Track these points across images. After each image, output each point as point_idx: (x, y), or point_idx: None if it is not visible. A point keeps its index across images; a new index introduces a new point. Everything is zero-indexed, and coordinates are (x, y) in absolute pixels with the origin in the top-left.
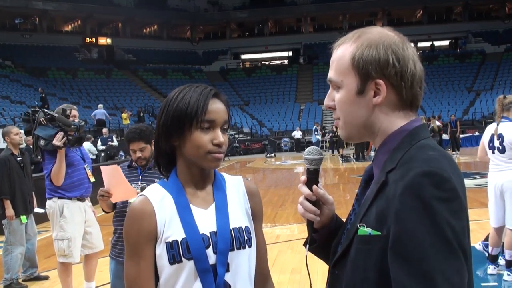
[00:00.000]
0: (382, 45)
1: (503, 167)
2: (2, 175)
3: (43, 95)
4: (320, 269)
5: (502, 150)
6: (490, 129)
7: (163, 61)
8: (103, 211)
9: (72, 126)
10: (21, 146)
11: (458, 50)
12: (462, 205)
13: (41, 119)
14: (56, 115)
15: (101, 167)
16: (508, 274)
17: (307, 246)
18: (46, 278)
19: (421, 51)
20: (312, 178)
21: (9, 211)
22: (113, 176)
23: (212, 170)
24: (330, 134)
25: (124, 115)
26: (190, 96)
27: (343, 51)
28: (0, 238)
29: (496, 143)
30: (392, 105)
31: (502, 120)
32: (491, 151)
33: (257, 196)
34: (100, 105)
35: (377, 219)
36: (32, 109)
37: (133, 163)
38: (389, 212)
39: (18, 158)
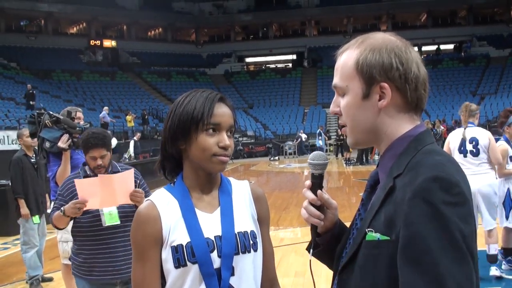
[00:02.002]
0: (385, 49)
1: (474, 170)
2: (15, 175)
3: (31, 91)
4: (324, 272)
5: (476, 153)
6: (457, 135)
7: (167, 64)
8: (56, 227)
9: (77, 128)
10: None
11: (463, 53)
12: (470, 209)
13: (46, 121)
14: (61, 117)
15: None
16: (496, 269)
17: (311, 250)
18: (50, 279)
19: (425, 55)
20: (317, 183)
21: (24, 209)
22: (105, 184)
23: (219, 174)
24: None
25: (128, 117)
26: (196, 100)
27: (347, 57)
28: (6, 240)
29: (469, 147)
30: (397, 108)
31: (469, 125)
32: (462, 155)
33: (263, 201)
34: (105, 107)
35: (385, 224)
36: (37, 111)
37: (89, 173)
38: (398, 217)
39: (32, 160)
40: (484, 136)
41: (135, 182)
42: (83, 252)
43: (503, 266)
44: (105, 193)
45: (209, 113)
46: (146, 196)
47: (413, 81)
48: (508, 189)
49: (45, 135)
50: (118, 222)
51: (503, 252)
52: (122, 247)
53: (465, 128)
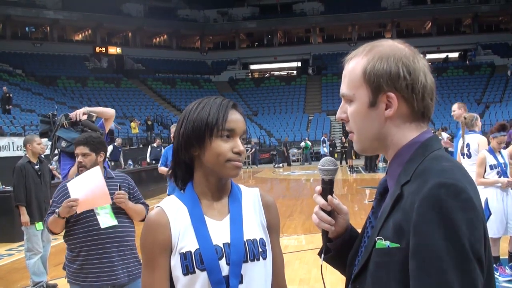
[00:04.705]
0: (393, 58)
1: (468, 169)
2: (18, 182)
3: (8, 94)
4: (329, 280)
5: (469, 156)
6: (461, 142)
7: (172, 71)
8: (52, 232)
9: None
10: (43, 154)
11: (467, 62)
12: (479, 214)
13: (64, 122)
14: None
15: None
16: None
17: (322, 255)
18: (54, 286)
19: (430, 63)
20: (327, 188)
21: (24, 217)
22: (86, 182)
23: (229, 182)
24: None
25: (133, 124)
26: (210, 106)
27: (355, 64)
28: (11, 246)
29: (465, 151)
30: (403, 117)
31: (470, 133)
32: (462, 156)
33: (273, 209)
34: None
35: (394, 231)
36: (51, 112)
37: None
38: (407, 224)
39: (36, 166)
40: (474, 141)
41: (127, 189)
42: (78, 258)
43: (507, 270)
44: (93, 192)
45: (224, 119)
46: (138, 202)
47: (420, 91)
48: (486, 199)
49: (62, 135)
50: (116, 223)
51: (508, 258)
52: (116, 252)
53: (462, 136)
